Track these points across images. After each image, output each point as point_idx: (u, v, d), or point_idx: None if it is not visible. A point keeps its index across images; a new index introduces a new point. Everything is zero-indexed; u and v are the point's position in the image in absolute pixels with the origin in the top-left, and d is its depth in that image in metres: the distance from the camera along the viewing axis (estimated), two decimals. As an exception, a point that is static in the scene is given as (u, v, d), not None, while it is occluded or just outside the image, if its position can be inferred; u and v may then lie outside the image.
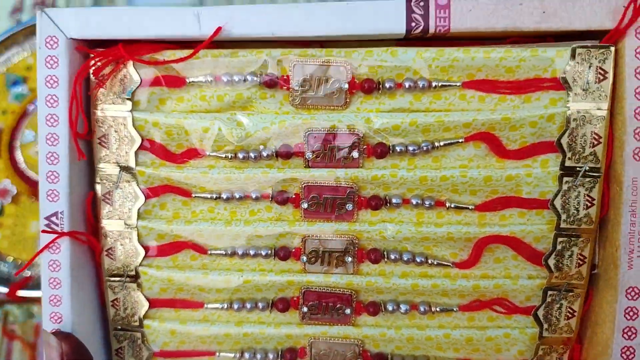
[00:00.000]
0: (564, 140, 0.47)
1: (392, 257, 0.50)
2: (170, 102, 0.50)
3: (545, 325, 0.50)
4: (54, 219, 0.49)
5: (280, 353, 0.53)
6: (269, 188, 0.50)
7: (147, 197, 0.51)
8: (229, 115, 0.49)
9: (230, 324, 0.53)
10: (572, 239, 0.48)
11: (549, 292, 0.50)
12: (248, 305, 0.52)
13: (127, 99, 0.49)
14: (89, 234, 0.51)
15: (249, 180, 0.50)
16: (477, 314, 0.51)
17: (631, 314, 0.46)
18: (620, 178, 0.46)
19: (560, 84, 0.47)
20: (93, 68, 0.49)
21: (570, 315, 0.50)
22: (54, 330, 0.50)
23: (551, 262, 0.49)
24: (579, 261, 0.49)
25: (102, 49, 0.49)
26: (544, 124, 0.47)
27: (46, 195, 0.48)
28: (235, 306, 0.52)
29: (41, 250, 0.49)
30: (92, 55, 0.49)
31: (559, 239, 0.48)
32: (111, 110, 0.49)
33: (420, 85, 0.47)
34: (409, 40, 0.48)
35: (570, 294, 0.50)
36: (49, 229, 0.49)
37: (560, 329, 0.50)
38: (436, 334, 0.51)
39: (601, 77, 0.46)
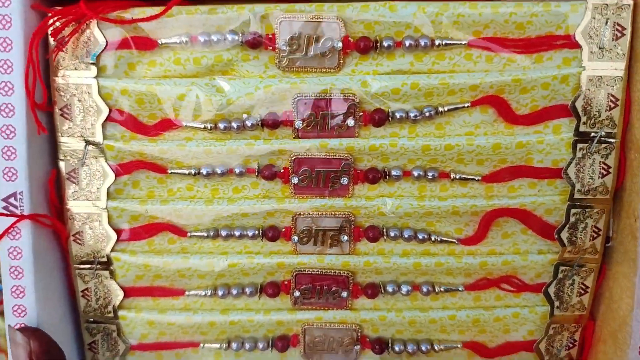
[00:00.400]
0: (579, 104, 0.43)
1: (392, 234, 0.46)
2: (141, 67, 0.45)
3: (557, 303, 0.47)
4: (12, 200, 0.43)
5: (270, 341, 0.49)
6: (255, 162, 0.45)
7: (117, 174, 0.46)
8: (207, 81, 0.45)
9: (214, 312, 0.48)
10: (587, 210, 0.45)
11: (561, 268, 0.46)
12: (234, 291, 0.47)
13: (92, 63, 0.44)
14: (53, 217, 0.45)
15: (231, 154, 0.45)
16: (484, 293, 0.48)
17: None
18: (638, 144, 0.42)
19: (575, 42, 0.43)
20: (51, 29, 0.43)
21: (582, 292, 0.47)
22: (19, 326, 0.44)
23: (564, 235, 0.45)
24: (593, 234, 0.45)
25: (61, 7, 0.43)
26: (557, 86, 0.43)
27: (2, 173, 0.43)
28: (220, 292, 0.47)
29: (1, 237, 0.43)
30: (49, 14, 0.42)
31: (573, 211, 0.45)
32: (73, 77, 0.44)
33: (422, 44, 0.43)
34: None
35: (583, 269, 0.46)
36: (6, 212, 0.42)
37: (573, 307, 0.47)
38: (440, 316, 0.47)
39: (619, 34, 0.42)
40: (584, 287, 0.47)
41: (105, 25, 0.43)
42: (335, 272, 0.47)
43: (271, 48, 0.43)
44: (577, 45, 0.43)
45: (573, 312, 0.48)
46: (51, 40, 0.43)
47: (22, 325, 0.45)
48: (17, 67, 0.42)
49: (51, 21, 0.43)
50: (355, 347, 0.48)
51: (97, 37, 0.43)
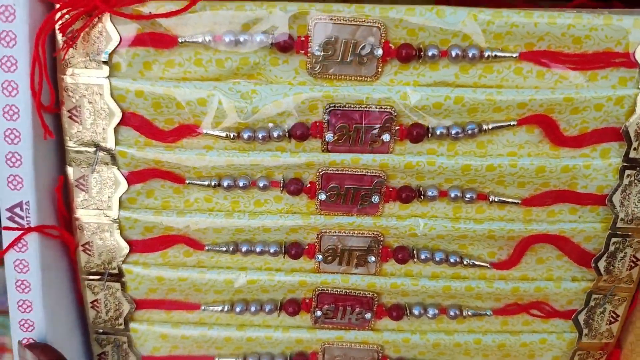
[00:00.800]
0: (632, 128, 0.39)
1: (422, 257, 0.42)
2: (158, 67, 0.40)
3: (585, 330, 0.45)
4: (17, 210, 0.39)
5: (288, 359, 0.45)
6: (280, 175, 0.41)
7: (130, 182, 0.41)
8: (231, 85, 0.39)
9: (231, 328, 0.45)
10: (627, 239, 0.42)
11: (593, 296, 0.44)
12: (252, 308, 0.44)
13: (104, 62, 0.39)
14: (61, 228, 0.41)
15: (255, 166, 0.41)
16: (512, 318, 0.45)
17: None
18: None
19: (634, 61, 0.38)
20: (60, 22, 0.37)
21: (612, 320, 0.44)
22: (27, 342, 0.41)
23: (601, 264, 0.42)
24: (631, 263, 0.43)
25: (70, -2, 0.37)
26: (611, 107, 0.39)
27: (7, 182, 0.39)
28: (238, 308, 0.44)
29: (5, 250, 0.39)
30: (58, 6, 0.37)
31: (613, 239, 0.42)
32: (84, 76, 0.39)
33: (470, 55, 0.38)
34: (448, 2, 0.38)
35: (616, 297, 0.43)
36: (12, 224, 0.39)
37: (601, 334, 0.45)
38: (465, 340, 0.45)
39: (681, 51, 0.38)
40: (614, 315, 0.44)
41: (119, 20, 0.38)
42: (359, 293, 0.44)
43: (303, 52, 0.39)
44: (635, 65, 0.39)
45: (601, 340, 0.45)
46: (59, 36, 0.38)
47: (30, 341, 0.41)
48: (21, 64, 0.37)
49: (59, 14, 0.37)
50: (376, 367, 0.46)
51: (110, 32, 0.38)
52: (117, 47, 0.39)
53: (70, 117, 0.40)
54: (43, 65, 0.38)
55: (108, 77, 0.39)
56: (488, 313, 0.44)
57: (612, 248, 0.42)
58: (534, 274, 0.44)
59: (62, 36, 0.38)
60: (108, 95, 0.39)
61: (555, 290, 0.43)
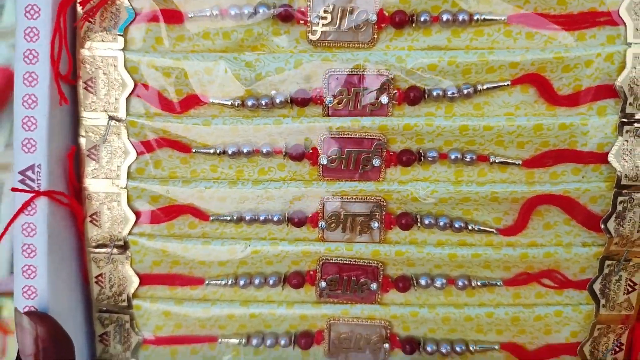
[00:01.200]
0: (625, 83, 0.40)
1: (427, 222, 0.42)
2: (169, 42, 0.43)
3: (603, 301, 0.43)
4: (29, 173, 0.41)
5: (293, 338, 0.45)
6: (282, 141, 0.42)
7: (139, 152, 0.43)
8: (236, 55, 0.42)
9: (234, 304, 0.45)
10: (635, 197, 0.41)
11: (607, 262, 0.43)
12: (256, 281, 0.44)
13: (119, 35, 0.42)
14: (70, 196, 0.43)
15: (258, 132, 0.42)
16: (524, 289, 0.44)
17: None
18: (691, 125, 0.39)
19: (618, 19, 0.40)
20: (80, -3, 0.41)
21: (630, 289, 0.43)
22: (27, 310, 0.41)
23: (611, 225, 0.42)
24: (642, 224, 0.41)
25: (90, -24, 0.41)
26: (602, 64, 0.40)
27: (21, 144, 0.41)
28: (241, 282, 0.44)
29: (17, 214, 0.41)
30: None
31: (620, 198, 0.41)
32: (100, 49, 0.42)
33: (460, 19, 0.41)
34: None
35: (630, 263, 0.42)
36: (23, 186, 0.40)
37: (619, 305, 0.43)
38: (477, 313, 0.43)
39: (663, 11, 0.40)
40: (631, 283, 0.43)
41: (134, -3, 0.42)
42: (364, 262, 0.43)
43: (303, 22, 0.42)
44: (620, 23, 0.40)
45: (620, 312, 0.43)
46: (79, 9, 0.42)
47: (30, 309, 0.42)
48: (43, 35, 0.41)
49: (81, -11, 0.41)
50: (384, 345, 0.44)
51: (125, 8, 0.42)
52: (131, 22, 0.42)
53: (85, 88, 0.43)
54: (63, 36, 0.41)
55: (122, 49, 0.42)
56: (498, 283, 0.43)
57: (619, 208, 0.41)
58: (542, 240, 0.43)
59: (82, 10, 0.42)
60: (122, 66, 0.42)
61: (566, 256, 0.42)
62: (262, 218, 0.43)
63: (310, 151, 0.43)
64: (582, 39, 0.41)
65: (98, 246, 0.44)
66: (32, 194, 0.41)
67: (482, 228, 0.43)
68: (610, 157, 0.41)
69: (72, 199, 0.43)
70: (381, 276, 0.44)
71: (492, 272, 0.44)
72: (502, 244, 0.43)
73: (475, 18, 0.41)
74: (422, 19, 0.41)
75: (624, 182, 0.41)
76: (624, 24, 0.40)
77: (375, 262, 0.43)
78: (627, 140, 0.41)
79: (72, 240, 0.45)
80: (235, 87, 0.42)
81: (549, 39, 0.41)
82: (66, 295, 0.44)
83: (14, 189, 0.41)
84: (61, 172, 0.43)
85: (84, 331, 0.46)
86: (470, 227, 0.43)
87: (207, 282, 0.45)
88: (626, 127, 0.41)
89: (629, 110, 0.41)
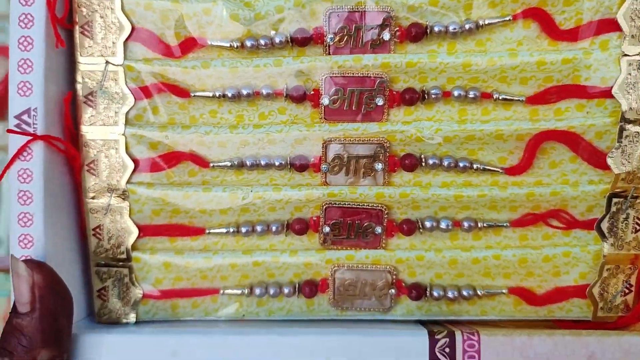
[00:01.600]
0: (626, 15, 0.40)
1: (431, 162, 0.42)
2: (166, -16, 0.42)
3: (611, 240, 0.43)
4: (25, 117, 0.40)
5: (297, 287, 0.44)
6: (283, 82, 0.42)
7: (137, 98, 0.43)
8: (235, -5, 0.42)
9: (236, 253, 0.44)
10: (640, 132, 0.41)
11: (614, 200, 0.42)
12: (258, 228, 0.43)
13: (116, -23, 0.41)
14: (67, 142, 0.42)
15: (258, 73, 0.42)
16: (531, 231, 0.44)
17: None
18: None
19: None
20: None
21: (638, 227, 0.43)
22: (24, 258, 0.40)
23: (616, 160, 0.41)
24: (649, 160, 0.41)
25: None
26: (604, -3, 0.40)
27: (17, 87, 0.40)
28: (243, 230, 0.43)
29: (13, 159, 0.40)
30: None
31: (625, 132, 0.41)
32: (96, -8, 0.41)
33: (459, -46, 0.40)
34: None
35: (638, 201, 0.42)
36: (19, 130, 0.39)
37: (628, 244, 0.43)
38: (484, 255, 0.43)
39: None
40: (639, 221, 0.43)
41: (131, -60, 0.42)
42: (368, 205, 0.43)
43: (302, -39, 0.42)
44: (622, -44, 0.41)
45: (629, 251, 0.43)
46: (75, -50, 0.42)
47: (27, 257, 0.41)
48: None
49: None
50: (390, 291, 0.44)
51: (122, -49, 0.42)
52: (128, -36, 0.42)
53: (82, 33, 0.42)
54: (59, -23, 0.40)
55: (120, -9, 0.42)
56: (505, 225, 0.43)
57: (625, 142, 0.41)
58: (548, 179, 0.43)
59: (78, -49, 0.41)
60: (119, 9, 0.42)
61: (573, 194, 0.42)
62: (263, 163, 0.43)
63: (312, 92, 0.42)
64: (582, -28, 0.41)
65: (96, 196, 0.43)
66: (28, 138, 0.40)
67: (487, 167, 0.42)
68: (615, 91, 0.41)
69: (69, 145, 0.42)
70: (386, 220, 0.43)
71: (498, 213, 0.43)
72: (508, 183, 0.43)
73: (476, -47, 0.41)
74: (422, -46, 0.41)
75: (628, 115, 0.41)
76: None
77: (380, 205, 0.43)
78: (629, 74, 0.41)
79: (69, 189, 0.44)
80: (234, 27, 0.42)
81: (549, -27, 0.41)
82: (63, 247, 0.43)
83: (9, 131, 0.40)
84: (58, 118, 0.42)
85: (81, 287, 0.45)
86: (475, 167, 0.42)
87: (208, 231, 0.44)
88: (628, 59, 0.41)
89: (631, 43, 0.41)
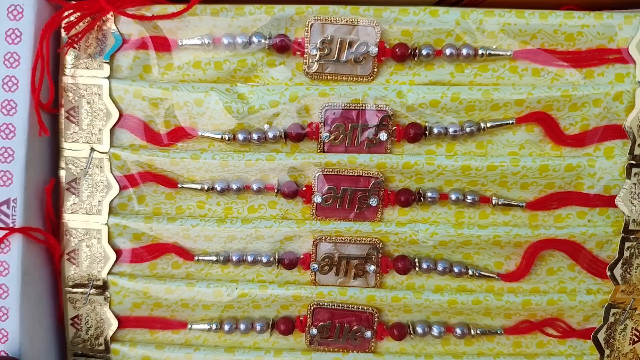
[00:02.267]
0: (634, 123, 0.39)
1: (425, 266, 0.41)
2: (157, 70, 0.41)
3: (607, 352, 0.42)
4: (4, 207, 0.39)
5: (281, 387, 0.42)
6: (275, 178, 0.40)
7: (122, 187, 0.42)
8: (229, 86, 0.40)
9: (218, 350, 0.43)
10: (644, 244, 0.40)
11: (612, 311, 0.41)
12: (242, 326, 0.42)
13: (105, 62, 0.40)
14: (47, 232, 0.41)
15: (250, 167, 0.41)
16: (525, 338, 0.43)
17: None
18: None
19: (628, 57, 0.39)
20: (65, 22, 0.39)
21: (636, 339, 0.42)
22: (-2, 354, 0.39)
23: (617, 272, 0.41)
24: (651, 272, 0.40)
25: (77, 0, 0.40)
26: (610, 104, 0.40)
27: (-5, 177, 0.38)
28: (227, 327, 0.42)
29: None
30: (64, 7, 0.39)
31: (627, 244, 0.40)
32: (84, 77, 0.41)
33: (464, 54, 0.40)
34: (442, 4, 0.40)
35: (637, 312, 0.41)
36: (-3, 222, 0.38)
37: (625, 356, 0.42)
38: (477, 363, 0.41)
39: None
40: (637, 333, 0.42)
41: (122, 23, 0.40)
42: (358, 308, 0.42)
43: (300, 53, 0.40)
44: (630, 61, 0.40)
45: (627, 364, 0.42)
46: (63, 34, 0.40)
47: (1, 353, 0.39)
48: (24, 61, 0.39)
49: (65, 14, 0.40)
50: (378, 396, 0.42)
51: (112, 34, 0.40)
52: (118, 49, 0.40)
53: (67, 118, 0.41)
54: (46, 62, 0.39)
55: (108, 77, 0.41)
56: (499, 332, 0.42)
57: (627, 254, 0.40)
58: (545, 286, 0.42)
59: (66, 35, 0.40)
60: (107, 95, 0.41)
61: (570, 304, 0.41)
62: (250, 259, 0.42)
63: (304, 189, 0.41)
64: (590, 76, 0.40)
65: (75, 286, 0.42)
66: (5, 231, 0.39)
67: (483, 273, 0.41)
68: (618, 201, 0.40)
69: (49, 236, 0.41)
70: (376, 323, 0.42)
71: (492, 319, 0.42)
72: (504, 290, 0.42)
73: (480, 53, 0.40)
74: (424, 52, 0.40)
75: (631, 226, 0.40)
76: (634, 62, 0.40)
77: (370, 308, 0.42)
78: (635, 183, 0.40)
79: (47, 278, 0.43)
80: (226, 120, 0.41)
81: (555, 76, 0.40)
82: (40, 339, 0.42)
83: (-15, 225, 0.39)
84: (38, 206, 0.41)
85: (56, 377, 0.44)
86: (470, 272, 0.41)
87: (190, 326, 0.43)
88: (634, 170, 0.40)
89: (637, 151, 0.40)
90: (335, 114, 0.40)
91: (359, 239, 0.41)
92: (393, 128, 0.40)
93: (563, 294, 0.41)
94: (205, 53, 0.41)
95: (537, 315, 0.42)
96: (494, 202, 0.41)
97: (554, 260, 0.41)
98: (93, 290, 0.42)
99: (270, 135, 0.41)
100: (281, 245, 0.42)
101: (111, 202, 0.41)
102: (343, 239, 0.41)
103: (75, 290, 0.42)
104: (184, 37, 0.41)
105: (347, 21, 0.40)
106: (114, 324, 0.42)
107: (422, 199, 0.41)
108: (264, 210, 0.42)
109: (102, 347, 0.43)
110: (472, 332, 0.42)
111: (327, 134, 0.40)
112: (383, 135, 0.40)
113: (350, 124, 0.40)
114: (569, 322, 0.42)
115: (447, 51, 0.40)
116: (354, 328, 0.42)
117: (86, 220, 0.41)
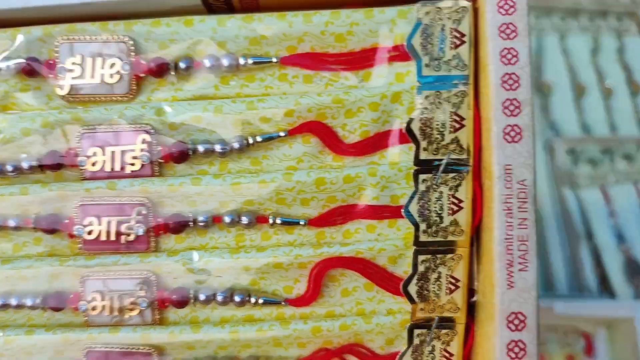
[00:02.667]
0: (416, 126, 0.36)
1: (202, 298, 0.37)
2: None
3: (417, 378, 0.38)
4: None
5: None
6: (35, 211, 0.37)
7: None
8: (-22, 117, 0.37)
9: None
10: (438, 255, 0.37)
11: (416, 332, 0.37)
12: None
13: None
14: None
15: (5, 202, 0.37)
16: (326, 369, 0.38)
17: (516, 350, 0.34)
18: (489, 168, 0.35)
19: (406, 53, 0.37)
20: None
21: (446, 360, 0.38)
22: None
23: (412, 289, 0.37)
24: (450, 286, 0.37)
25: None
26: (389, 106, 0.37)
27: None
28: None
29: None
30: None
31: (421, 257, 0.37)
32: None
33: (226, 65, 0.37)
34: (213, 10, 0.38)
35: (444, 331, 0.37)
36: None
37: (438, 382, 0.38)
38: (271, 400, 0.37)
39: (457, 42, 0.36)
40: (447, 354, 0.38)
41: None
42: (134, 348, 0.38)
43: (52, 76, 0.37)
44: (409, 57, 0.37)
45: (439, 389, 0.38)
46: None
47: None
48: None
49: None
50: None
51: None
52: None
53: None
54: None
55: None
56: (294, 363, 0.38)
57: (422, 268, 0.37)
58: (341, 309, 0.38)
59: None
60: None
61: (366, 327, 0.37)
62: (14, 303, 0.38)
63: (67, 221, 0.37)
64: (367, 78, 0.38)
65: None
66: None
67: (267, 299, 0.38)
68: (405, 211, 0.37)
69: None
70: (156, 364, 0.38)
71: (286, 350, 0.38)
72: (295, 316, 0.38)
73: (242, 62, 0.37)
74: (182, 65, 0.37)
75: (422, 238, 0.37)
76: (413, 58, 0.37)
77: (147, 348, 0.38)
78: (424, 191, 0.37)
79: None
80: (-25, 153, 0.37)
81: (330, 81, 0.38)
82: None
83: None
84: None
85: None
86: (253, 300, 0.37)
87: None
88: (422, 176, 0.37)
89: (423, 156, 0.37)
90: (91, 138, 0.37)
91: (128, 274, 0.37)
92: (158, 149, 0.37)
93: (358, 317, 0.38)
94: (-49, 83, 0.38)
95: (333, 342, 0.38)
96: (270, 221, 0.37)
97: (346, 280, 0.38)
98: None
99: (26, 166, 0.37)
100: (49, 285, 0.38)
101: None
102: (111, 273, 0.37)
103: None
104: None
105: (96, 38, 0.37)
106: None
107: (193, 223, 0.37)
108: (29, 248, 0.38)
109: None
110: (264, 367, 0.38)
111: (84, 159, 0.37)
112: (144, 158, 0.37)
113: (107, 148, 0.37)
114: (370, 347, 0.38)
115: (207, 62, 0.37)
116: (133, 372, 0.38)
117: None
